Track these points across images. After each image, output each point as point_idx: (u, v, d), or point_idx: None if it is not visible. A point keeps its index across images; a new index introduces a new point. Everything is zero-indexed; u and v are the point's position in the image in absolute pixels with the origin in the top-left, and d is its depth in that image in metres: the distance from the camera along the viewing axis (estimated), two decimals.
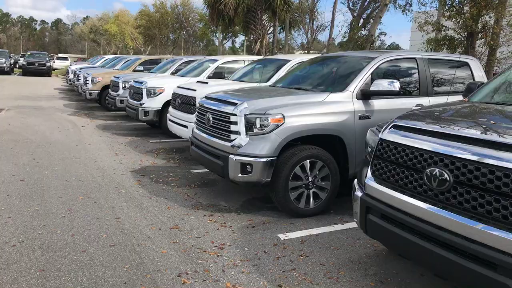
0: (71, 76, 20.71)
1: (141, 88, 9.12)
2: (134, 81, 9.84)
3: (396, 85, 4.49)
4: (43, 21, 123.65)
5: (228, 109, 4.54)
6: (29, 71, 32.09)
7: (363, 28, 19.62)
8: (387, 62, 5.03)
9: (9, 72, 32.42)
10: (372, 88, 4.61)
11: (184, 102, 7.10)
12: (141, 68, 13.84)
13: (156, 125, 9.45)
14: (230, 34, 40.29)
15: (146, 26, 49.98)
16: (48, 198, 4.84)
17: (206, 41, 61.03)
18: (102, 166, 6.45)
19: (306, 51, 29.00)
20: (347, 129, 4.58)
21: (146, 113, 8.95)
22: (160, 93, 8.96)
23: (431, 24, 10.67)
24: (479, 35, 10.32)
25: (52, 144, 7.95)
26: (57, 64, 42.87)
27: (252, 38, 30.87)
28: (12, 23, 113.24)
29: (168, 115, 7.85)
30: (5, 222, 4.06)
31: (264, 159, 4.22)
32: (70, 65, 28.02)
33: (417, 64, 5.18)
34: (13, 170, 5.97)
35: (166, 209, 4.64)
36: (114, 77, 12.27)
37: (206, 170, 6.16)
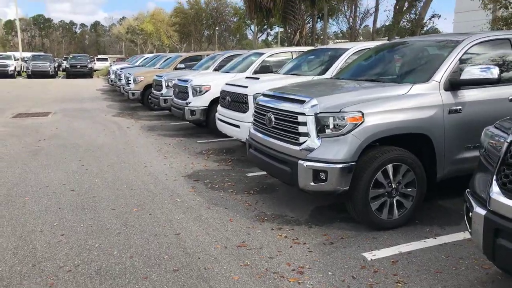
0: (112, 76, 20.84)
1: (186, 86, 8.74)
2: (178, 79, 9.48)
3: (494, 72, 3.76)
4: (82, 25, 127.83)
5: (295, 107, 3.98)
6: (72, 73, 32.93)
7: (410, 12, 18.39)
8: (476, 45, 4.28)
9: (53, 75, 33.38)
10: (464, 76, 3.90)
11: (234, 100, 6.62)
12: (183, 65, 13.54)
13: (203, 125, 9.05)
14: (265, 27, 39.71)
15: (181, 24, 50.25)
16: (101, 210, 4.49)
17: (239, 35, 60.70)
18: (153, 172, 6.08)
19: (347, 40, 27.89)
20: (435, 126, 3.91)
21: (192, 112, 8.56)
22: (206, 91, 8.54)
23: (497, 1, 9.62)
24: None
25: (100, 148, 7.71)
26: (98, 65, 43.85)
27: (290, 29, 30.13)
28: (54, 28, 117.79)
29: (217, 114, 7.40)
30: (58, 241, 3.72)
31: (342, 165, 3.64)
32: (110, 65, 28.38)
33: None
34: (63, 179, 5.71)
35: (228, 222, 4.16)
36: (156, 76, 12.01)
37: (263, 173, 5.68)
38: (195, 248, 3.58)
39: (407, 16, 15.47)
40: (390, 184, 3.84)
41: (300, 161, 3.82)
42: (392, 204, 3.89)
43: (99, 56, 55.99)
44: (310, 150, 3.79)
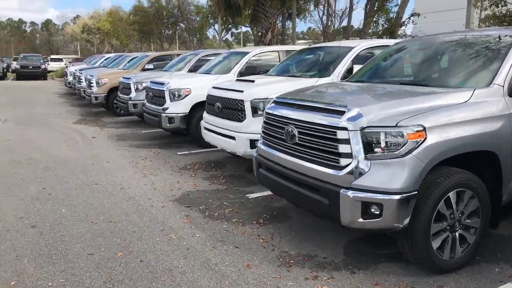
0: (70, 78, 19.21)
1: (163, 90, 7.67)
2: (152, 82, 8.38)
3: None
4: (32, 23, 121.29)
5: (330, 120, 3.11)
6: (23, 75, 30.43)
7: (382, 11, 17.99)
8: None
9: (2, 77, 30.82)
10: None
11: (227, 107, 5.66)
12: (151, 66, 12.35)
13: (183, 133, 8.02)
14: (231, 26, 38.73)
15: (141, 22, 48.23)
16: (75, 258, 3.43)
17: (199, 35, 59.24)
18: (132, 195, 5.03)
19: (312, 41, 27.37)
20: (503, 141, 3.17)
21: (171, 119, 7.51)
22: (186, 95, 7.52)
23: None
24: None
25: (63, 164, 6.52)
26: (52, 66, 41.17)
27: (261, 28, 29.37)
28: (1, 26, 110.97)
29: (202, 122, 6.42)
30: None
31: (401, 195, 2.81)
32: (67, 66, 26.44)
33: None
34: (19, 209, 4.55)
35: (245, 269, 3.23)
36: (123, 78, 10.81)
37: (266, 193, 4.81)
38: None
39: (384, 15, 15.00)
40: (452, 216, 3.06)
41: (343, 191, 2.96)
42: (455, 240, 3.11)
43: (53, 56, 52.87)
44: (356, 176, 2.93)
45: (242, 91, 5.46)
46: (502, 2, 9.35)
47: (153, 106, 8.04)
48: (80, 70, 16.27)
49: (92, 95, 12.25)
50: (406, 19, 14.43)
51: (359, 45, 5.94)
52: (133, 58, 14.75)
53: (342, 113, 3.07)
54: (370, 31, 16.02)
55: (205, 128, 6.30)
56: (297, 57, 7.07)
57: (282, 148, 3.62)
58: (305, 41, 35.85)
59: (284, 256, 3.43)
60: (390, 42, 6.23)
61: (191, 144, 7.96)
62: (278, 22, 23.18)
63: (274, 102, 3.96)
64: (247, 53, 8.27)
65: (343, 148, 3.01)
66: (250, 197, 4.97)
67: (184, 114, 7.50)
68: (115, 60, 16.98)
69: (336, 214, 3.03)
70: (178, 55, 12.91)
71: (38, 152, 7.42)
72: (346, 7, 20.87)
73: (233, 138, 5.49)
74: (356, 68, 5.51)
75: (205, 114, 6.37)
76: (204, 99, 7.43)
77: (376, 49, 5.98)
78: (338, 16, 19.31)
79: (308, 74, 5.98)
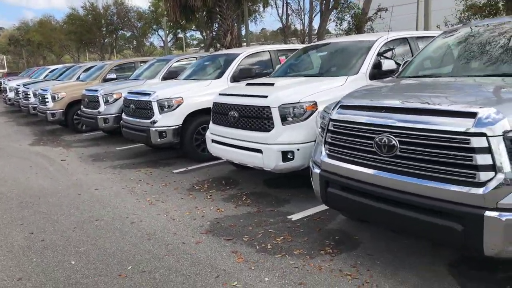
0: (10, 94, 17.30)
1: (150, 101, 6.71)
2: (132, 93, 7.37)
3: None
4: None
5: (458, 124, 2.45)
6: None
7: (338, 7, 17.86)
8: None
9: None
10: None
11: (247, 116, 4.87)
12: (114, 75, 11.17)
13: (176, 147, 7.07)
14: (179, 31, 37.55)
15: (78, 32, 45.45)
16: None
17: (136, 42, 56.94)
18: (151, 231, 4.10)
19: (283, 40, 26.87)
20: None
21: (162, 134, 6.57)
22: (178, 105, 6.61)
23: None
24: None
25: (42, 198, 5.38)
26: None
27: (213, 31, 28.52)
28: None
29: (209, 134, 5.57)
30: None
31: None
32: (3, 83, 23.88)
33: None
34: (12, 266, 3.48)
35: None
36: (87, 90, 9.59)
37: (308, 213, 4.19)
38: None
39: (349, 11, 14.80)
40: None
41: (487, 213, 2.33)
42: None
43: None
44: (504, 193, 2.32)
45: (266, 96, 4.70)
46: None
47: (137, 120, 7.03)
48: (24, 85, 14.55)
49: (47, 111, 10.81)
50: (373, 14, 14.30)
51: (382, 37, 5.40)
52: (88, 69, 13.37)
53: (472, 115, 2.44)
54: (335, 28, 15.81)
55: (214, 141, 5.47)
56: (303, 56, 6.42)
57: (370, 162, 2.94)
58: (259, 42, 35.46)
59: None
60: (413, 33, 5.80)
61: (181, 159, 7.06)
62: (236, 23, 22.57)
63: (342, 106, 3.27)
64: (237, 55, 7.50)
65: (481, 159, 2.38)
66: (293, 219, 4.23)
67: (177, 126, 6.60)
68: (64, 71, 15.37)
69: (475, 242, 2.40)
70: (142, 62, 11.85)
71: (4, 184, 6.16)
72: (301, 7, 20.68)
73: (259, 151, 4.71)
74: (388, 62, 4.99)
75: (212, 125, 5.53)
76: (198, 108, 6.73)
77: (396, 42, 5.51)
78: (299, 16, 19.00)
79: (332, 73, 5.33)
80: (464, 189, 2.44)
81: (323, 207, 4.42)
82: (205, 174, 6.16)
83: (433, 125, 2.56)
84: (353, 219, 4.03)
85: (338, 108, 3.29)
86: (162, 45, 47.72)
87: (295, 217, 4.27)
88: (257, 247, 3.62)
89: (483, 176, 2.38)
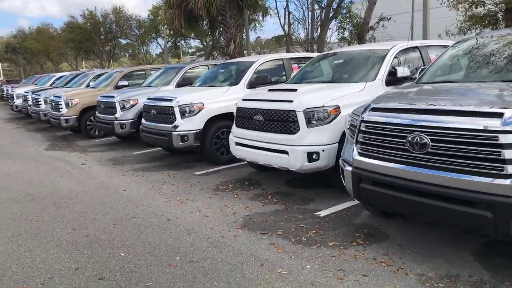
0: (17, 102, 17.52)
1: (172, 107, 7.00)
2: (152, 99, 7.65)
3: None
4: None
5: (487, 123, 2.77)
6: None
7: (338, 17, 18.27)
8: None
9: None
10: None
11: (273, 119, 5.17)
12: (125, 82, 11.44)
13: (197, 151, 7.36)
14: (179, 39, 37.96)
15: (78, 39, 45.70)
16: None
17: (131, 50, 57.20)
18: (189, 227, 4.37)
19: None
20: None
21: (183, 138, 6.85)
22: (199, 110, 6.91)
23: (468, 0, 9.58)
24: None
25: (74, 199, 5.64)
26: None
27: (214, 39, 28.86)
28: None
29: (233, 137, 5.86)
30: None
31: None
32: (7, 90, 24.02)
33: None
34: (65, 258, 3.73)
35: None
36: (103, 96, 9.86)
37: (334, 209, 4.52)
38: None
39: (351, 20, 15.20)
40: None
41: None
42: None
43: None
44: None
45: (291, 101, 5.02)
46: (481, 4, 9.75)
47: (158, 124, 7.31)
48: (34, 92, 14.79)
49: (61, 117, 11.05)
50: (375, 23, 14.72)
51: (396, 46, 5.75)
52: (98, 75, 13.65)
53: (499, 115, 2.76)
54: (337, 37, 16.21)
55: (238, 144, 5.76)
56: (318, 63, 6.76)
57: (403, 159, 3.25)
58: (255, 51, 35.84)
59: (426, 280, 3.04)
60: (424, 42, 6.16)
61: (200, 162, 7.35)
62: (238, 32, 22.99)
63: (373, 109, 3.58)
64: (252, 62, 7.83)
65: (508, 154, 2.70)
66: (321, 215, 4.52)
67: (198, 130, 6.89)
68: (72, 79, 15.63)
69: (504, 228, 2.71)
70: (152, 69, 12.17)
71: (31, 187, 6.39)
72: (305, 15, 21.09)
73: (284, 152, 5.01)
74: (403, 70, 5.33)
75: (236, 129, 5.82)
76: (218, 113, 7.03)
77: (408, 50, 5.86)
78: (304, 25, 19.40)
79: (349, 79, 5.65)
80: (493, 180, 2.75)
81: (347, 204, 4.75)
82: (226, 176, 6.44)
83: (463, 124, 2.88)
84: (378, 214, 4.33)
85: (370, 111, 3.60)
86: (158, 53, 48.09)
87: (322, 213, 4.57)
88: (292, 240, 3.91)
89: (511, 168, 2.70)
